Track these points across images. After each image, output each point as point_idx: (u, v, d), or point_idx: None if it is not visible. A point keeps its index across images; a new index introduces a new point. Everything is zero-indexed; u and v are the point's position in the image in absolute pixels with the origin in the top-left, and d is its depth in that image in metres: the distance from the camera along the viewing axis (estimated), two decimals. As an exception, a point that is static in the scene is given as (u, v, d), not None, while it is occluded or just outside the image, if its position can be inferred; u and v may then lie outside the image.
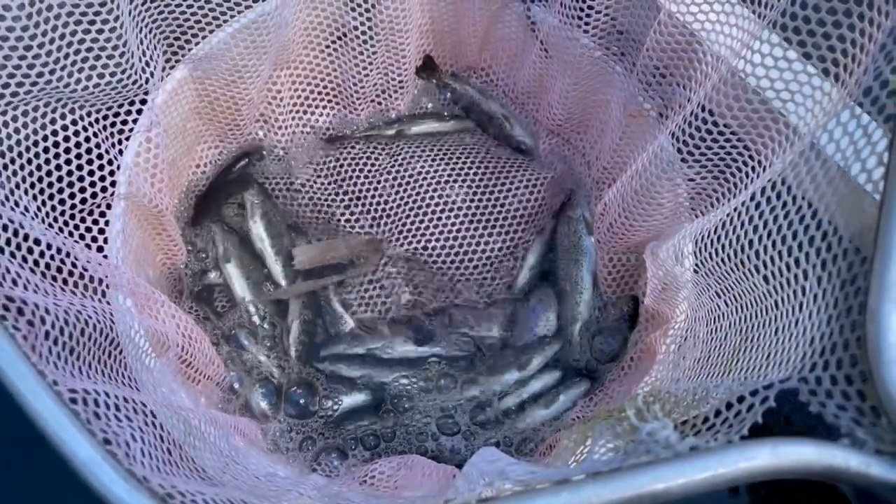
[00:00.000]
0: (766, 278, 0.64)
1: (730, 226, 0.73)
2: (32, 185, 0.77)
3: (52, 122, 0.80)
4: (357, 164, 1.10)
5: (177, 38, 0.96)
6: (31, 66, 0.73)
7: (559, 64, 1.02)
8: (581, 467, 0.48)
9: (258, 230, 1.05)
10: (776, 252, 0.64)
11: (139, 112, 0.87)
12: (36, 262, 0.65)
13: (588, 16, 0.93)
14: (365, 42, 1.06)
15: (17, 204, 0.70)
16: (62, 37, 0.76)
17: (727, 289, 0.73)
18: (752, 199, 0.70)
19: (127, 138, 0.87)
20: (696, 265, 0.79)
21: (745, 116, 0.74)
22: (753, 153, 0.73)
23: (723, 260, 0.74)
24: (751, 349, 0.61)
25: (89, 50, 0.78)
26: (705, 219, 0.79)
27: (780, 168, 0.67)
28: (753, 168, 0.73)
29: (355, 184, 1.08)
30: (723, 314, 0.71)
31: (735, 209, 0.73)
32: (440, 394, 0.96)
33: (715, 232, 0.76)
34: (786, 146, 0.67)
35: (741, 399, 0.51)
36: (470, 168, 1.09)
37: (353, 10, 1.03)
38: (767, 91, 0.72)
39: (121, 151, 0.86)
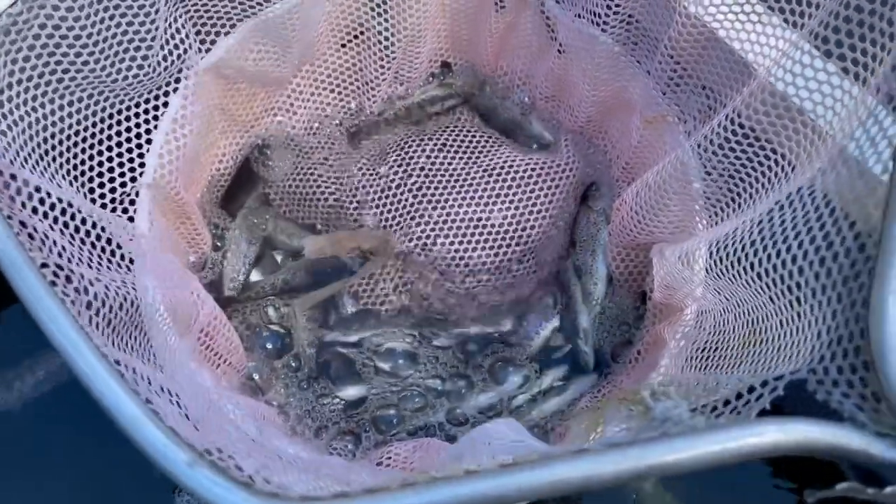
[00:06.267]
0: (771, 279, 0.66)
1: (742, 234, 0.74)
2: (68, 172, 0.80)
3: (87, 107, 0.83)
4: (367, 156, 1.12)
5: (207, 33, 0.98)
6: (77, 55, 0.76)
7: (578, 71, 1.05)
8: (598, 443, 0.50)
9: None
10: (785, 256, 0.66)
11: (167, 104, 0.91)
12: (83, 241, 0.68)
13: (607, 16, 0.96)
14: (381, 42, 1.10)
15: (59, 187, 0.73)
16: (107, 28, 0.79)
17: (735, 291, 0.75)
18: (768, 211, 0.71)
19: (156, 128, 0.90)
20: (707, 268, 0.81)
21: (773, 124, 0.75)
22: (772, 164, 0.74)
23: (732, 264, 0.76)
24: (761, 342, 0.64)
25: (130, 41, 0.81)
26: (718, 227, 0.81)
27: (802, 180, 0.67)
28: (775, 175, 0.74)
29: (365, 175, 1.10)
30: (731, 311, 0.73)
31: (751, 219, 0.73)
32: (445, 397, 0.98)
33: (726, 239, 0.77)
34: (815, 155, 0.68)
35: (751, 389, 0.54)
36: (486, 165, 1.10)
37: (373, 9, 1.07)
38: (794, 98, 0.72)
39: (149, 141, 0.89)
